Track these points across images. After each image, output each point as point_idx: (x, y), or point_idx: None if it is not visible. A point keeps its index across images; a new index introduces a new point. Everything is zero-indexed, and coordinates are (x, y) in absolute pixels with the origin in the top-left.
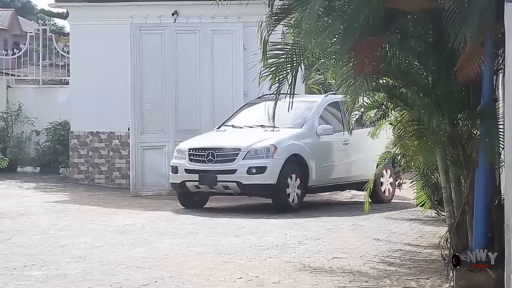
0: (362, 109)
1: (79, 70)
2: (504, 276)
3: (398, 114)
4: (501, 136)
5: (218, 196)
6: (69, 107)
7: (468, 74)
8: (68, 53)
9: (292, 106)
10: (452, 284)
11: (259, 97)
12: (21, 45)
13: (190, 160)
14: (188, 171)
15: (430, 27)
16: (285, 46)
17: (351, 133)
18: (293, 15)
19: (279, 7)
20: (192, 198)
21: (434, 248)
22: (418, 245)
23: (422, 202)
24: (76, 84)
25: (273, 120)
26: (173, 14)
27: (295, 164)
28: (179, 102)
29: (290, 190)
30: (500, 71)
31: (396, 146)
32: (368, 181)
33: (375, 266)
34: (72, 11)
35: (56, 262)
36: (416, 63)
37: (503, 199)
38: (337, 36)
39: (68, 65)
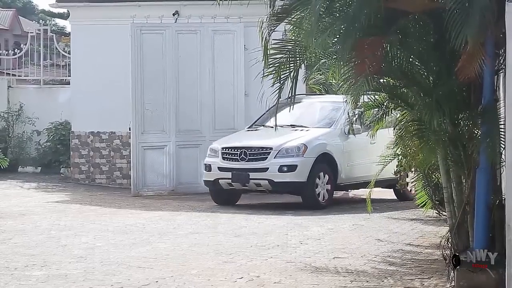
0: (362, 109)
1: (80, 70)
2: (505, 276)
3: (399, 114)
4: (502, 136)
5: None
6: (70, 107)
7: (469, 74)
8: (69, 53)
9: (293, 106)
10: (453, 284)
11: (288, 98)
12: (22, 45)
13: (223, 158)
14: (221, 169)
15: (431, 27)
16: (286, 46)
17: (352, 133)
18: (294, 15)
19: (280, 7)
20: (225, 195)
21: (435, 248)
22: (419, 245)
23: (423, 203)
24: (77, 84)
25: (275, 120)
26: (174, 14)
27: (325, 162)
28: (180, 102)
29: (320, 188)
30: (501, 71)
31: (397, 146)
32: (394, 179)
33: (376, 266)
34: (73, 11)
35: (57, 262)
36: (417, 63)
37: (504, 199)
38: (338, 36)
39: (69, 65)
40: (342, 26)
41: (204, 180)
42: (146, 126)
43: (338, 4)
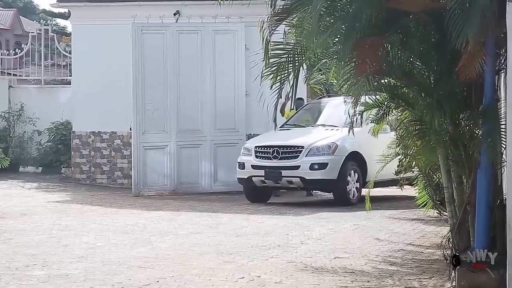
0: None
1: (81, 70)
2: (506, 277)
3: (400, 114)
4: (503, 136)
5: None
6: (71, 107)
7: (470, 74)
8: (69, 53)
9: (294, 105)
10: (454, 284)
11: (319, 98)
12: (23, 45)
13: (256, 157)
14: (254, 167)
15: (432, 27)
16: (287, 46)
17: (352, 132)
18: (295, 15)
19: (281, 7)
20: (258, 193)
21: (436, 248)
22: (420, 245)
23: (424, 202)
24: (78, 84)
25: (275, 121)
26: (175, 14)
27: (354, 160)
28: (180, 102)
29: (350, 185)
30: (502, 71)
31: (399, 146)
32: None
33: (377, 266)
34: (74, 11)
35: (58, 262)
36: (418, 63)
37: (505, 199)
38: (339, 36)
39: (70, 65)
40: (343, 26)
41: (237, 178)
42: (147, 126)
43: (339, 4)
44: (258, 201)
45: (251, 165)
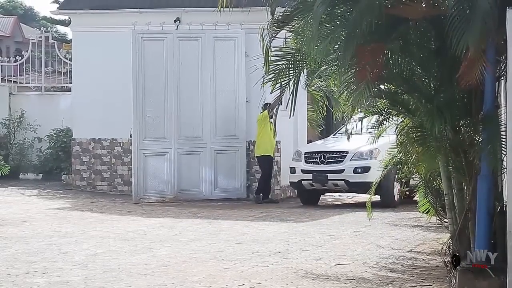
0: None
1: (81, 77)
2: (506, 283)
3: (400, 121)
4: (503, 142)
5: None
6: (71, 114)
7: (470, 80)
8: (70, 60)
9: (294, 112)
10: None
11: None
12: (23, 52)
13: (306, 162)
14: (304, 171)
15: (432, 34)
16: (287, 52)
17: (349, 138)
18: (295, 22)
19: (281, 14)
20: (308, 195)
21: (437, 255)
22: (420, 252)
23: (427, 209)
24: (78, 91)
25: (274, 126)
26: (175, 21)
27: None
28: (181, 109)
29: (394, 188)
30: (502, 78)
31: (399, 153)
32: None
33: (377, 273)
34: (74, 18)
35: (58, 269)
36: (418, 69)
37: (506, 205)
38: (339, 43)
39: (70, 72)
40: (343, 33)
41: (289, 182)
42: (147, 132)
43: (339, 11)
44: (309, 203)
45: (301, 170)
